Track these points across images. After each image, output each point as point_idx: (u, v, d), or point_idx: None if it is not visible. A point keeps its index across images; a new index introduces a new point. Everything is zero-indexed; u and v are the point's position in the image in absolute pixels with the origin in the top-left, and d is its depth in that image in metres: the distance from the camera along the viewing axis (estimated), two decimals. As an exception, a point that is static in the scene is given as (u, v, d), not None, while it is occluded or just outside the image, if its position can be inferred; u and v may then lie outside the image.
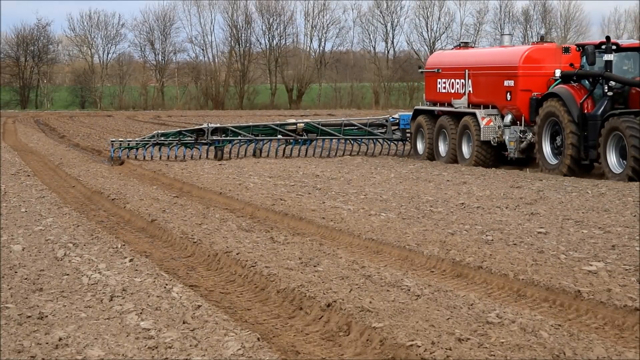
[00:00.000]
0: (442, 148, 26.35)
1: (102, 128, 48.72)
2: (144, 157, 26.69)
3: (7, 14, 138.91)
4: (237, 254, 11.32)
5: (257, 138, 27.64)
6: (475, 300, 8.78)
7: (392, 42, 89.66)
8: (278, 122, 28.80)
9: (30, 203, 16.30)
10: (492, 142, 24.30)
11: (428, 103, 27.85)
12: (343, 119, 29.93)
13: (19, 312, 8.23)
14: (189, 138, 27.03)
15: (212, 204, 17.03)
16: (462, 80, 25.98)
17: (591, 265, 10.17)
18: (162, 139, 26.91)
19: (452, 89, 26.48)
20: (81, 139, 38.78)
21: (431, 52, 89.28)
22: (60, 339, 7.36)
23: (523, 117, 23.58)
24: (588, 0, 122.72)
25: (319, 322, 8.46)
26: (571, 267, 10.08)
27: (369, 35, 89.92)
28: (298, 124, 27.99)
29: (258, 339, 7.43)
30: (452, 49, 29.33)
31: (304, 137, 27.89)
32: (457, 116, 25.77)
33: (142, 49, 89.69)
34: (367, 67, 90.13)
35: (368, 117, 30.30)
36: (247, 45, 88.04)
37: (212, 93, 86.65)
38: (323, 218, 14.27)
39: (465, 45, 28.40)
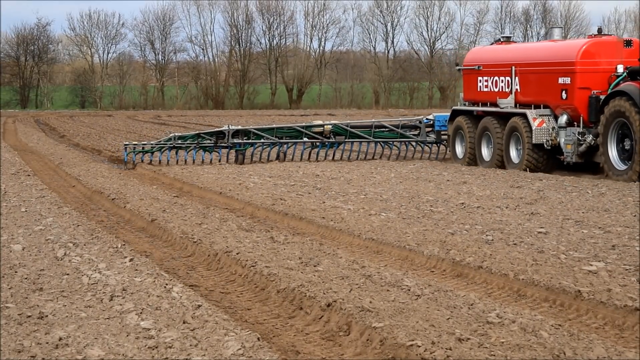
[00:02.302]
0: (486, 152, 24.34)
1: (102, 128, 48.75)
2: (160, 161, 25.05)
3: (7, 14, 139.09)
4: (237, 253, 11.31)
5: (281, 141, 26.05)
6: (476, 300, 8.78)
7: (392, 42, 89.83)
8: (304, 124, 27.08)
9: (30, 203, 16.30)
10: (545, 145, 22.24)
11: (466, 103, 25.87)
12: (373, 120, 28.22)
13: (19, 312, 8.23)
14: (208, 141, 25.47)
15: (212, 204, 17.03)
16: (508, 78, 24.01)
17: (591, 265, 10.17)
18: (180, 142, 25.26)
19: (496, 87, 24.54)
20: (81, 138, 38.79)
21: (431, 52, 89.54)
22: (60, 339, 7.36)
23: (581, 118, 21.58)
24: (588, 0, 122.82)
25: (319, 322, 8.46)
26: (571, 267, 10.07)
27: (369, 35, 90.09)
28: (325, 126, 26.33)
29: (258, 338, 7.42)
30: (492, 44, 27.14)
31: (331, 140, 26.32)
32: (503, 117, 23.74)
33: (142, 49, 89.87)
34: (367, 67, 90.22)
35: (400, 118, 28.55)
36: (247, 45, 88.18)
37: (212, 93, 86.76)
38: (323, 218, 14.27)
39: (507, 40, 26.19)
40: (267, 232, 13.22)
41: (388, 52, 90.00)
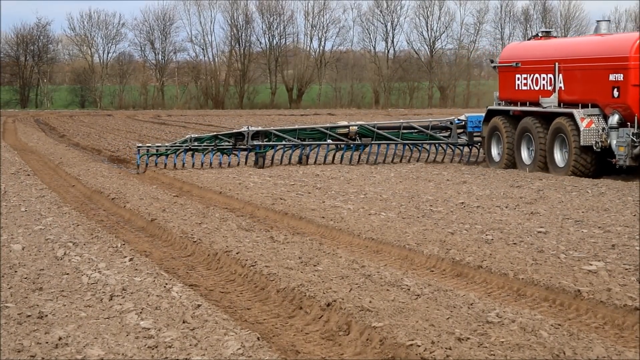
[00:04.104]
0: (526, 154, 22.81)
1: (102, 127, 48.74)
2: (175, 164, 23.57)
3: (7, 13, 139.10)
4: (237, 253, 11.32)
5: (304, 143, 24.51)
6: (475, 299, 8.78)
7: (392, 42, 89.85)
8: (328, 125, 25.47)
9: (30, 202, 16.30)
10: (594, 148, 20.58)
11: (502, 102, 24.35)
12: (402, 121, 26.52)
13: (19, 312, 8.23)
14: (227, 143, 24.01)
15: (212, 204, 17.03)
16: (550, 75, 22.44)
17: (591, 264, 10.17)
18: (196, 144, 23.79)
19: (536, 85, 22.96)
20: (81, 138, 38.77)
21: (431, 52, 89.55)
22: (60, 339, 7.36)
23: (635, 118, 20.03)
24: (588, 0, 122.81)
25: (318, 322, 8.46)
26: (571, 267, 10.08)
27: (369, 35, 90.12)
28: (351, 127, 24.85)
29: (258, 338, 7.42)
30: (530, 39, 25.43)
31: (356, 142, 24.80)
32: (545, 117, 22.16)
33: (142, 49, 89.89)
34: (367, 66, 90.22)
35: (430, 119, 26.73)
36: (247, 44, 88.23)
37: (212, 93, 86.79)
38: (323, 217, 14.27)
39: (547, 34, 24.44)
40: (267, 232, 13.22)
41: (388, 51, 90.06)
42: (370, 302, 8.57)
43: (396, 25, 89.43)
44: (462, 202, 15.89)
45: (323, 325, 8.35)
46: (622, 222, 13.52)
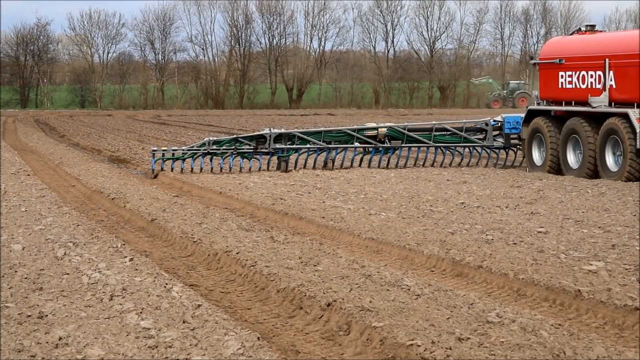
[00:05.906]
0: (573, 158, 21.26)
1: (102, 127, 48.76)
2: (192, 169, 22.45)
3: (7, 13, 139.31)
4: (237, 253, 11.31)
5: (330, 146, 23.31)
6: (476, 299, 8.78)
7: (392, 42, 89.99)
8: (355, 127, 24.19)
9: (30, 202, 16.30)
10: None
11: (544, 102, 22.85)
12: (434, 122, 24.96)
13: (19, 312, 8.23)
14: (247, 146, 22.81)
15: (212, 204, 17.03)
16: (600, 73, 20.81)
17: (591, 264, 10.17)
18: (215, 147, 22.66)
19: (583, 83, 21.40)
20: (81, 138, 38.78)
21: (431, 52, 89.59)
22: (60, 338, 7.35)
23: None
24: (588, 0, 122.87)
25: (319, 322, 8.45)
26: (571, 267, 10.08)
27: (369, 35, 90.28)
28: (379, 129, 23.62)
29: (258, 338, 7.42)
30: (572, 34, 23.63)
31: (386, 145, 23.62)
32: (595, 118, 20.65)
33: (142, 49, 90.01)
34: (367, 66, 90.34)
35: (464, 120, 25.04)
36: (247, 44, 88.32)
37: (212, 92, 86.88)
38: (323, 217, 14.27)
39: (592, 29, 22.86)
40: (267, 232, 13.21)
41: (388, 51, 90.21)
42: (370, 302, 8.57)
43: (396, 25, 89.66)
44: (462, 202, 15.89)
45: (323, 325, 8.35)
46: (622, 222, 13.51)
